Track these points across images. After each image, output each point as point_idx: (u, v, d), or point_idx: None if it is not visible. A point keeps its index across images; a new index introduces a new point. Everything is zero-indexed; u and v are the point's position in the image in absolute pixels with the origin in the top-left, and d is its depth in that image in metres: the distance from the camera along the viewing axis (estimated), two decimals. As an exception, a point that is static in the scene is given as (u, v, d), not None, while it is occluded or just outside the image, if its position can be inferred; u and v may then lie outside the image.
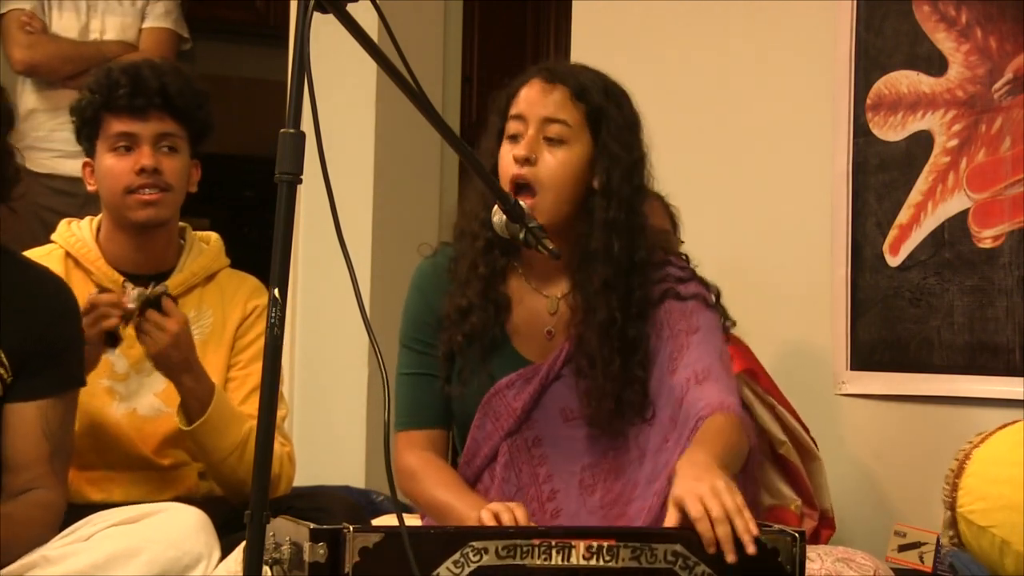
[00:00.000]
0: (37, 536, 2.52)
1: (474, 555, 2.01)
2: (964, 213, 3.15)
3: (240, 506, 1.98)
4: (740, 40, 3.67)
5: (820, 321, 3.42)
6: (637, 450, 2.48)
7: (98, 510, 2.63)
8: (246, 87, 6.13)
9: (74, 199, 4.30)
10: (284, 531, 2.01)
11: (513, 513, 2.24)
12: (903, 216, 3.27)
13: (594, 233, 2.48)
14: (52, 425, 2.57)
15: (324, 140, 1.91)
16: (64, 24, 4.52)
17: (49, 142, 4.39)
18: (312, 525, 1.96)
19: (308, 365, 4.78)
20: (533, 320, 2.55)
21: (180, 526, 2.52)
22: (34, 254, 2.86)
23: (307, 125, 1.90)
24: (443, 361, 2.54)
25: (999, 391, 3.03)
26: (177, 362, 2.72)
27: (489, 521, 2.23)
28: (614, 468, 2.49)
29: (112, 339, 2.75)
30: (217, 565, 2.51)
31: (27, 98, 4.50)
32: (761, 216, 3.60)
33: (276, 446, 2.44)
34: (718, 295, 2.58)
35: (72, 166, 4.32)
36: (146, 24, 4.59)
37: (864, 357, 3.33)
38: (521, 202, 2.40)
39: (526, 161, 2.47)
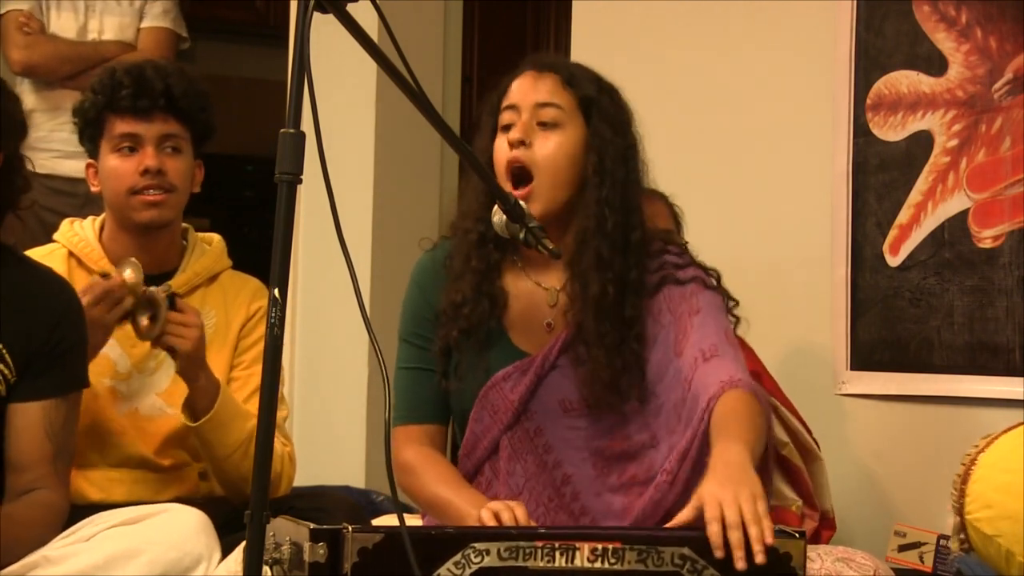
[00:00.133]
0: (39, 536, 2.52)
1: (475, 556, 1.99)
2: (964, 213, 3.15)
3: (241, 506, 1.98)
4: (740, 40, 3.67)
5: (820, 321, 3.42)
6: (647, 432, 2.47)
7: (98, 510, 2.63)
8: (246, 87, 6.13)
9: (73, 199, 4.30)
10: (284, 531, 2.00)
11: (513, 512, 2.24)
12: (903, 216, 3.26)
13: (588, 211, 2.48)
14: (55, 426, 2.57)
15: (324, 140, 1.91)
16: (62, 24, 4.52)
17: (48, 142, 4.39)
18: (312, 525, 1.96)
19: (308, 365, 4.78)
20: (532, 313, 2.54)
21: (181, 527, 2.52)
22: (36, 253, 2.86)
23: (307, 125, 1.90)
24: (440, 356, 2.53)
25: (999, 391, 3.03)
26: (202, 358, 2.74)
27: (489, 521, 2.22)
28: (626, 453, 2.48)
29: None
30: (217, 566, 2.51)
31: (26, 99, 4.47)
32: (761, 216, 3.60)
33: (277, 446, 2.45)
34: (719, 278, 2.57)
35: (71, 166, 4.33)
36: (144, 24, 4.58)
37: (864, 357, 3.33)
38: (519, 191, 2.41)
39: (521, 143, 2.47)
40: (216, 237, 3.03)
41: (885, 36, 3.32)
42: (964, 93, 3.16)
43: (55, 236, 2.95)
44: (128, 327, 2.77)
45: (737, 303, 2.60)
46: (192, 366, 2.74)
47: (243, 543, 1.86)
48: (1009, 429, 2.57)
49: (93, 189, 2.93)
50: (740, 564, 2.02)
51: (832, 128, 3.41)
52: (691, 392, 2.41)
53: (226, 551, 2.53)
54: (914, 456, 3.23)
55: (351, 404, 4.65)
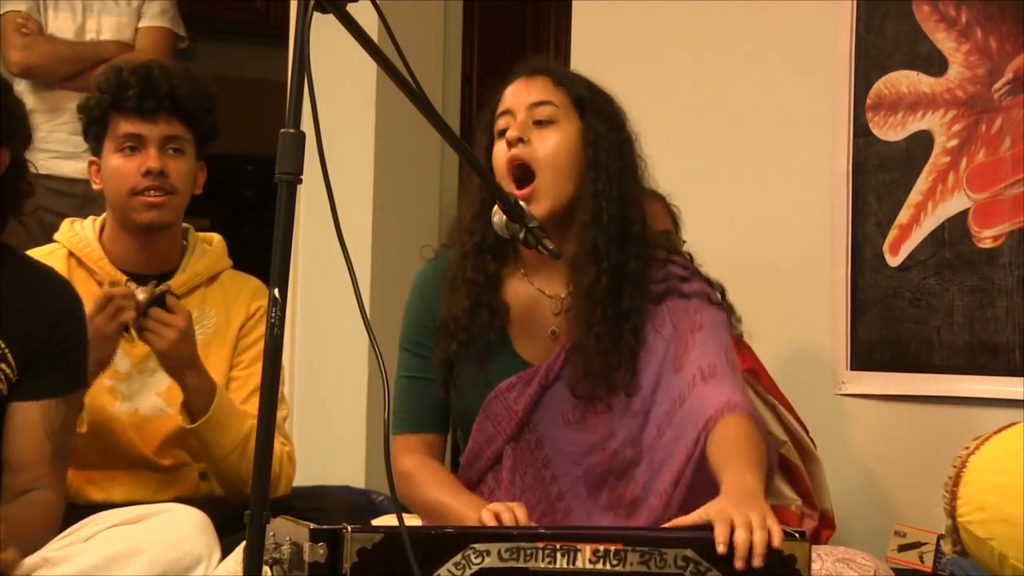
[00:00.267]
0: (37, 537, 2.52)
1: (476, 557, 1.98)
2: (964, 213, 3.14)
3: (240, 506, 1.98)
4: (740, 40, 3.67)
5: (820, 321, 3.42)
6: (633, 449, 2.47)
7: (98, 510, 2.63)
8: (246, 87, 6.12)
9: (72, 199, 4.30)
10: (284, 531, 2.00)
11: (514, 512, 2.23)
12: (903, 216, 3.26)
13: (585, 205, 2.48)
14: (55, 426, 2.57)
15: (324, 140, 1.90)
16: (60, 25, 4.52)
17: (46, 143, 4.38)
18: (312, 525, 1.95)
19: (308, 365, 4.78)
20: (536, 321, 2.54)
21: (181, 527, 2.52)
22: (37, 253, 2.86)
23: (307, 125, 1.89)
24: (440, 367, 2.53)
25: (999, 391, 3.03)
26: (183, 359, 2.73)
27: (490, 521, 2.22)
28: (615, 470, 2.48)
29: (125, 329, 2.75)
30: (217, 566, 2.51)
31: (24, 99, 4.48)
32: (761, 216, 3.60)
33: (276, 446, 2.45)
34: (723, 292, 2.57)
35: (69, 167, 4.33)
36: (142, 23, 4.58)
37: (864, 357, 3.33)
38: (522, 190, 2.41)
39: (519, 141, 2.47)
40: (216, 237, 3.03)
41: (885, 36, 3.32)
42: (964, 93, 3.16)
43: (55, 236, 2.95)
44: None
45: (740, 319, 2.61)
46: (171, 365, 2.74)
47: (243, 543, 1.86)
48: (1000, 430, 2.56)
49: (95, 187, 2.93)
50: (739, 564, 2.01)
51: (832, 128, 3.41)
52: (684, 409, 2.41)
53: (226, 551, 2.53)
54: (914, 456, 3.23)
55: (351, 404, 4.65)
